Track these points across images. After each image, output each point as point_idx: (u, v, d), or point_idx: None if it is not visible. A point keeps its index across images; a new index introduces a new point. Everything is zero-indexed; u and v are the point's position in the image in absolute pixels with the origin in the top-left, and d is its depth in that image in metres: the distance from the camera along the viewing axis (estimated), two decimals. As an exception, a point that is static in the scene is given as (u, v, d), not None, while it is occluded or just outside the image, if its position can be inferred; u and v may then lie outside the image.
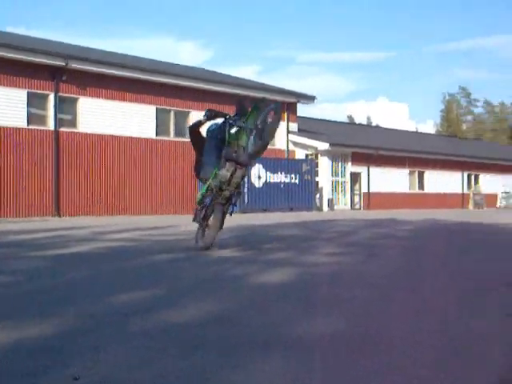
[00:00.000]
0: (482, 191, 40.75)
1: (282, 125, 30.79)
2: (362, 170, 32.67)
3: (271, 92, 31.41)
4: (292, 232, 10.72)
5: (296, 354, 2.32)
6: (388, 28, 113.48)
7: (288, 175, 27.84)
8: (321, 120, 41.26)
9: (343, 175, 31.94)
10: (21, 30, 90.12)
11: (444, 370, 2.13)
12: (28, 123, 21.20)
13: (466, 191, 40.53)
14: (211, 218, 6.86)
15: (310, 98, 31.61)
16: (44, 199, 21.41)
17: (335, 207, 30.09)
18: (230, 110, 7.53)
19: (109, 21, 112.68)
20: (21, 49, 20.80)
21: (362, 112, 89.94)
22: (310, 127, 32.30)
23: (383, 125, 61.96)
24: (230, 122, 6.93)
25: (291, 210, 26.11)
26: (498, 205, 41.17)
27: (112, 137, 23.76)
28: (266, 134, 6.75)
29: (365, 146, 33.25)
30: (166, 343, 2.49)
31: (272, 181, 27.19)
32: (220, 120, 7.11)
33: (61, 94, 22.06)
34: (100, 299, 3.60)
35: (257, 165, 26.52)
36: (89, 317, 3.05)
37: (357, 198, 32.95)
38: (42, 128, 21.59)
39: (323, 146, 29.99)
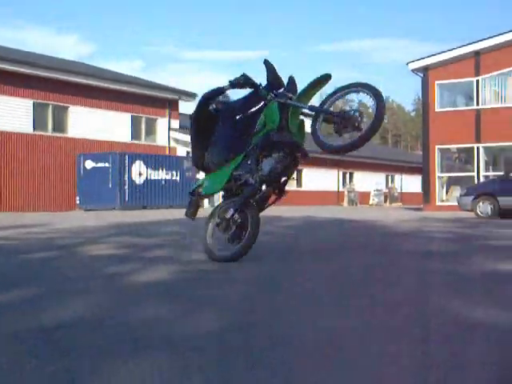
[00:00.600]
0: (356, 189, 42.73)
1: (164, 121, 30.55)
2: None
3: (153, 88, 30.96)
4: (173, 229, 10.62)
5: (165, 354, 2.26)
6: (264, 27, 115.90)
7: (169, 172, 27.60)
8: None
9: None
10: None
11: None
12: None
13: (341, 189, 42.32)
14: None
15: (191, 95, 31.60)
16: None
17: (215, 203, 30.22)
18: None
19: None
20: None
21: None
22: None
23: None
24: (273, 95, 5.21)
25: (171, 207, 25.91)
26: (370, 202, 43.35)
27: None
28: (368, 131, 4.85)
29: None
30: (34, 347, 2.35)
31: (153, 178, 26.83)
32: (244, 91, 5.42)
33: None
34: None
35: (137, 161, 26.12)
36: None
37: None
38: None
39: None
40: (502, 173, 20.82)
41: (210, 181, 5.53)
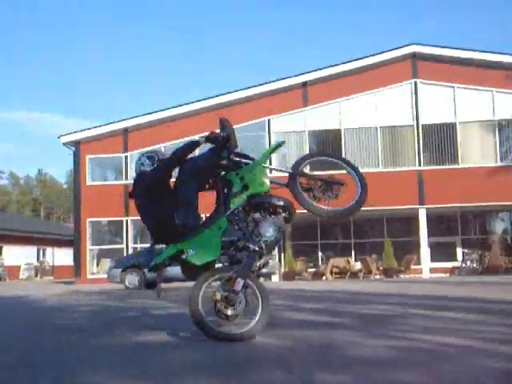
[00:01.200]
0: (5, 263, 40.22)
1: None
2: None
3: None
4: None
5: None
6: None
7: None
8: None
9: None
10: None
11: None
12: None
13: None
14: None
15: None
16: None
17: None
18: None
19: None
20: None
21: None
22: None
23: None
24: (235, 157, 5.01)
25: None
26: (20, 276, 41.19)
27: None
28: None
29: None
30: None
31: None
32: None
33: None
34: None
35: None
36: None
37: None
38: None
39: None
40: (148, 245, 22.10)
41: (199, 248, 4.72)
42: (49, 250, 47.15)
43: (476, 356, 3.74)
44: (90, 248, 26.66)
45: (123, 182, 26.81)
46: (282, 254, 26.05)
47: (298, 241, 27.76)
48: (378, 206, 24.88)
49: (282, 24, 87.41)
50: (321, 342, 4.55)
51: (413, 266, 25.29)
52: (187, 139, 26.57)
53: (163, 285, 18.04)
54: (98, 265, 27.12)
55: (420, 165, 25.21)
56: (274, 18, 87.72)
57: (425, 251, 25.07)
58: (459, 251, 26.57)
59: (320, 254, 27.97)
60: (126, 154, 27.10)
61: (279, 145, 5.36)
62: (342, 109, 26.27)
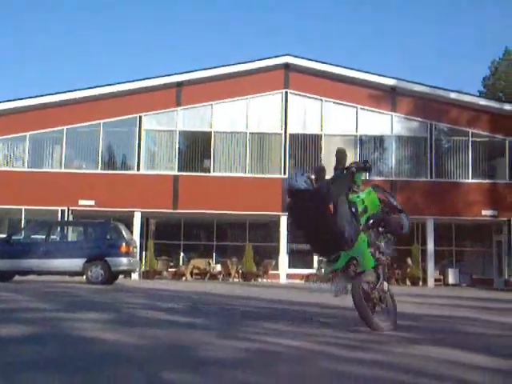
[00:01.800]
0: None
1: None
2: None
3: None
4: None
5: None
6: None
7: None
8: None
9: None
10: None
11: None
12: None
13: None
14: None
15: None
16: None
17: None
18: None
19: None
20: None
21: None
22: None
23: None
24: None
25: None
26: None
27: None
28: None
29: None
30: None
31: None
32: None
33: None
34: None
35: None
36: None
37: None
38: None
39: None
40: (5, 235, 20.85)
41: (362, 257, 5.58)
42: None
43: (322, 359, 3.87)
44: None
45: None
46: (144, 253, 25.66)
47: (160, 240, 27.50)
48: (241, 210, 25.35)
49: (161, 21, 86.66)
50: (173, 341, 4.50)
51: (271, 271, 25.99)
52: (48, 130, 25.64)
53: (18, 277, 17.09)
54: None
55: (285, 173, 25.98)
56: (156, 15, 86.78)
57: (283, 257, 25.85)
58: (315, 259, 27.67)
59: (182, 254, 27.91)
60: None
61: (366, 167, 6.28)
62: (214, 112, 26.44)
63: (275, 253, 26.23)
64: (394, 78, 26.88)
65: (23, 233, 19.35)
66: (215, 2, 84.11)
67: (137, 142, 26.15)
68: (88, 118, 26.00)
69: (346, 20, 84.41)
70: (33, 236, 18.54)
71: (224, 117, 26.45)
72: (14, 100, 26.39)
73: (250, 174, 25.98)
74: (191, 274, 25.94)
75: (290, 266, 26.47)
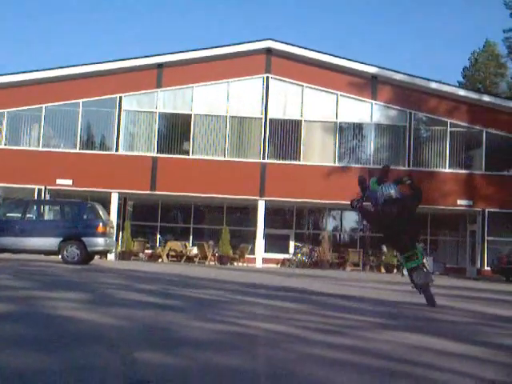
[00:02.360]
0: None
1: None
2: None
3: None
4: None
5: None
6: None
7: None
8: None
9: None
10: None
11: None
12: None
13: None
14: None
15: None
16: None
17: None
18: None
19: None
20: None
21: None
22: None
23: None
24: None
25: None
26: None
27: None
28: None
29: None
30: None
31: None
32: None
33: None
34: None
35: None
36: None
37: None
38: None
39: None
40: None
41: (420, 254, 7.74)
42: None
43: (296, 343, 3.93)
44: None
45: None
46: (120, 234, 25.57)
47: (137, 221, 27.41)
48: (219, 194, 25.35)
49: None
50: (148, 322, 4.52)
51: (247, 256, 26.08)
52: (26, 108, 25.26)
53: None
54: None
55: (264, 158, 25.99)
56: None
57: (260, 242, 25.94)
58: (292, 244, 27.85)
59: (159, 236, 27.86)
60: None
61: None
62: (194, 94, 26.28)
63: (252, 237, 26.30)
64: (375, 66, 26.92)
65: (-1, 211, 19.12)
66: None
67: (116, 122, 25.91)
68: (67, 96, 25.66)
69: (331, 9, 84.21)
70: (9, 214, 18.33)
71: (204, 99, 26.30)
72: (-9, 76, 25.95)
73: (229, 158, 25.94)
74: (167, 256, 25.91)
75: (266, 251, 26.59)
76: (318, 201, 25.81)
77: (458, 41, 77.51)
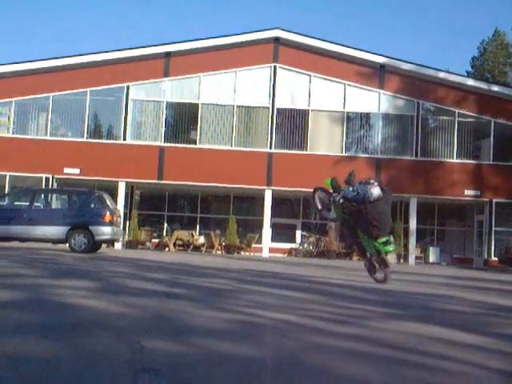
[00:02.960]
0: None
1: None
2: None
3: None
4: None
5: None
6: None
7: None
8: None
9: None
10: None
11: None
12: None
13: None
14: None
15: None
16: None
17: None
18: None
19: None
20: None
21: None
22: None
23: None
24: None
25: None
26: None
27: None
28: None
29: None
30: None
31: None
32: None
33: None
34: None
35: None
36: None
37: None
38: None
39: None
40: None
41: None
42: None
43: (305, 332, 3.93)
44: None
45: None
46: (127, 223, 25.64)
47: (144, 210, 27.48)
48: (226, 183, 25.36)
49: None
50: (156, 311, 4.53)
51: (254, 245, 26.12)
52: (34, 97, 25.28)
53: (0, 243, 17.00)
54: None
55: (271, 147, 25.95)
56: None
57: (267, 231, 25.96)
58: (298, 234, 27.85)
59: (166, 225, 27.92)
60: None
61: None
62: (201, 83, 26.24)
63: (259, 227, 26.32)
64: (383, 55, 26.79)
65: (7, 199, 19.19)
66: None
67: (123, 111, 25.92)
68: (75, 85, 25.68)
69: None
70: (17, 203, 18.41)
71: (212, 89, 26.25)
72: (-1, 65, 25.98)
73: (236, 147, 25.92)
74: (174, 245, 25.99)
75: (272, 240, 26.62)
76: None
77: (466, 30, 76.94)
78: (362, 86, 26.42)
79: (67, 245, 16.50)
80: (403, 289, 8.80)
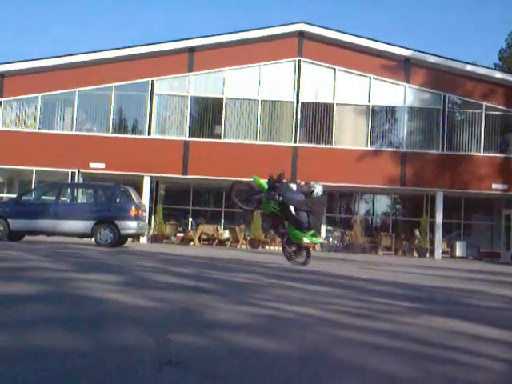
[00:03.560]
0: None
1: None
2: None
3: None
4: None
5: None
6: None
7: None
8: None
9: None
10: None
11: None
12: None
13: None
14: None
15: None
16: None
17: None
18: None
19: None
20: None
21: None
22: None
23: None
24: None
25: None
26: None
27: None
28: None
29: None
30: None
31: None
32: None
33: None
34: None
35: None
36: None
37: None
38: None
39: None
40: (15, 196, 20.88)
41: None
42: None
43: (330, 326, 3.91)
44: None
45: None
46: (152, 217, 25.82)
47: (169, 205, 27.64)
48: (251, 177, 25.34)
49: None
50: (182, 305, 4.55)
51: (278, 240, 26.08)
52: (60, 92, 25.58)
53: (28, 237, 17.28)
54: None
55: (296, 141, 25.88)
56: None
57: (291, 225, 25.88)
58: (323, 228, 27.75)
59: (191, 219, 28.05)
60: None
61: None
62: (226, 78, 26.26)
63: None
64: (408, 48, 26.50)
65: (34, 194, 19.47)
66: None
67: (148, 106, 26.08)
68: (100, 80, 25.91)
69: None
70: (43, 197, 18.65)
71: (236, 83, 26.26)
72: (26, 61, 26.29)
73: (260, 142, 25.90)
74: (199, 239, 26.10)
75: (297, 235, 26.52)
76: (350, 184, 25.66)
77: (494, 22, 75.69)
78: (387, 80, 26.18)
79: (93, 239, 16.68)
80: (428, 283, 8.72)
